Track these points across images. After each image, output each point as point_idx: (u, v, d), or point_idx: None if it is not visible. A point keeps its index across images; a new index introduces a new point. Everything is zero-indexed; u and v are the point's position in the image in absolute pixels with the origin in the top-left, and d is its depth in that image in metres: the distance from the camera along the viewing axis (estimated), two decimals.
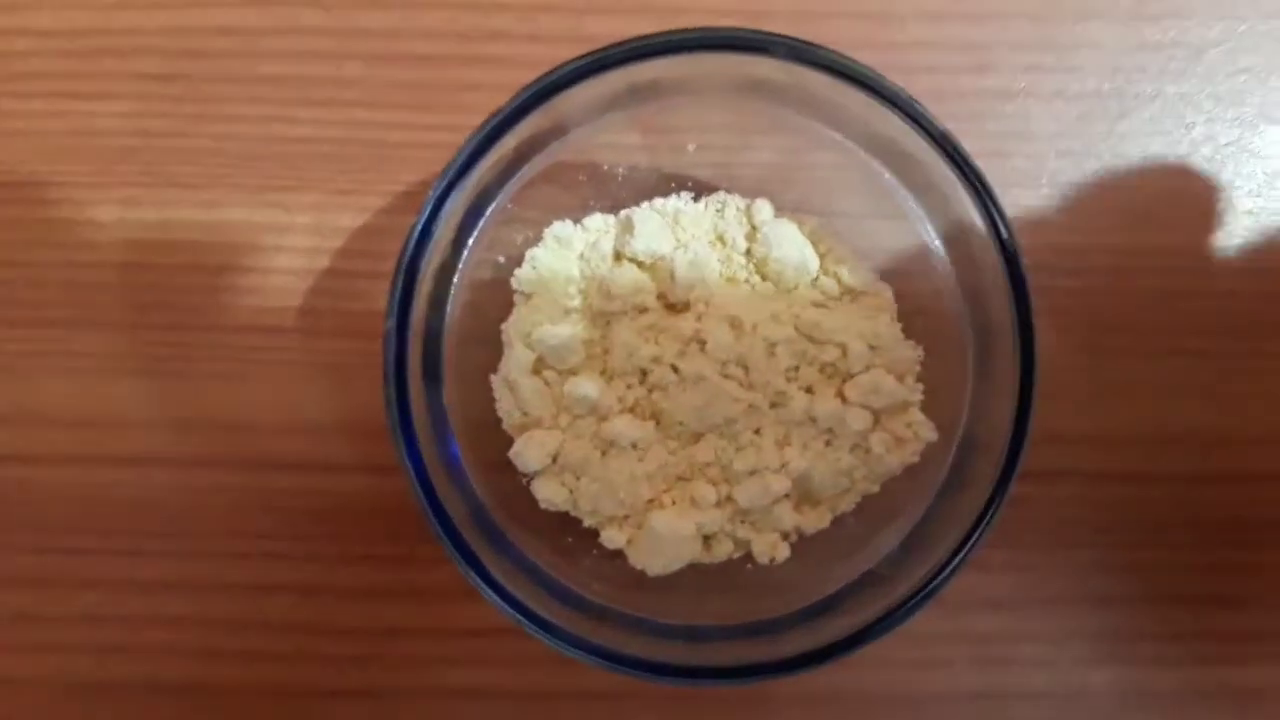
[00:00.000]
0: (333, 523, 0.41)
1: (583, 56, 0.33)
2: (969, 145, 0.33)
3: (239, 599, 0.41)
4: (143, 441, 0.41)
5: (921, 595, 0.33)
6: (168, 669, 0.41)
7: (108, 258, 0.41)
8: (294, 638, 0.41)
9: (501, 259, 0.38)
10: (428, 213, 0.33)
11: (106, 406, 0.41)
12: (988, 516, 0.33)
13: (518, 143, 0.35)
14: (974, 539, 0.33)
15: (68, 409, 0.41)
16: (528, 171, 0.36)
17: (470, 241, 0.36)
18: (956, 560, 0.33)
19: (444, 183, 0.33)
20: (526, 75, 0.39)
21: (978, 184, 0.32)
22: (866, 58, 0.34)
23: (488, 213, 0.36)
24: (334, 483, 0.41)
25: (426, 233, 0.33)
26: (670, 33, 0.33)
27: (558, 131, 0.36)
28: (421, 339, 0.34)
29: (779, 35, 0.33)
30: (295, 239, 0.41)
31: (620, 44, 0.33)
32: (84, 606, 0.41)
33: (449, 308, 0.36)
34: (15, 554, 0.41)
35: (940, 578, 0.33)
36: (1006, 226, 0.32)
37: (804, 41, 0.33)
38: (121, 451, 0.41)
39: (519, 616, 0.33)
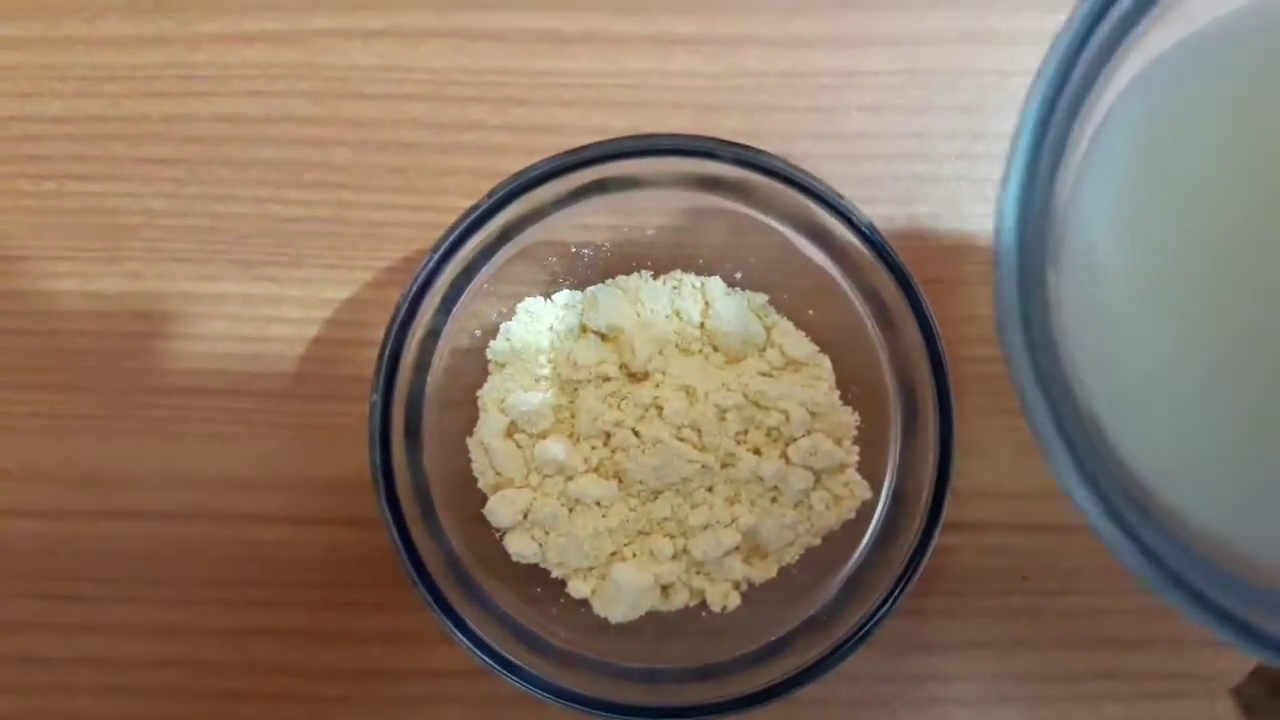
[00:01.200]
0: (316, 572, 0.44)
1: (557, 157, 0.37)
2: (903, 225, 0.37)
3: (228, 643, 0.44)
4: (139, 497, 0.44)
5: (856, 639, 0.37)
6: (162, 708, 0.44)
7: (111, 327, 0.45)
8: (279, 679, 0.44)
9: (478, 331, 0.41)
10: (414, 291, 0.37)
11: (105, 465, 0.45)
12: (915, 565, 0.36)
13: (497, 228, 0.38)
14: (903, 586, 0.36)
15: (69, 467, 0.45)
16: (505, 252, 0.40)
17: (452, 315, 0.39)
18: (887, 606, 0.36)
19: (431, 263, 0.37)
20: (501, 161, 0.43)
21: (898, 270, 0.37)
22: (813, 147, 0.38)
23: (468, 289, 0.39)
24: (318, 535, 0.44)
25: (413, 310, 0.37)
26: (634, 138, 0.38)
27: (533, 217, 0.39)
28: (404, 405, 0.38)
29: (725, 141, 0.37)
30: (287, 310, 0.45)
31: (590, 147, 0.37)
32: (84, 650, 0.44)
33: (430, 375, 0.39)
34: (20, 600, 0.44)
35: (872, 622, 0.37)
36: (925, 309, 0.37)
37: (746, 146, 0.38)
38: (119, 506, 0.45)
39: (489, 660, 0.37)
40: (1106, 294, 0.24)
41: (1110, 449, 0.24)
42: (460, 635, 0.37)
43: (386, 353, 0.37)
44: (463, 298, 0.39)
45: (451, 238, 0.37)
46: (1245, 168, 0.23)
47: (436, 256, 0.37)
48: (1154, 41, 0.23)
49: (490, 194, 0.37)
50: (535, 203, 0.39)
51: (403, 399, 0.38)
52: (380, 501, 0.36)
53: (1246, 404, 0.24)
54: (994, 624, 0.44)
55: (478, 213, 0.37)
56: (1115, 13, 0.22)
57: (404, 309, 0.37)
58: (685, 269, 0.43)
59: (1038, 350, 0.22)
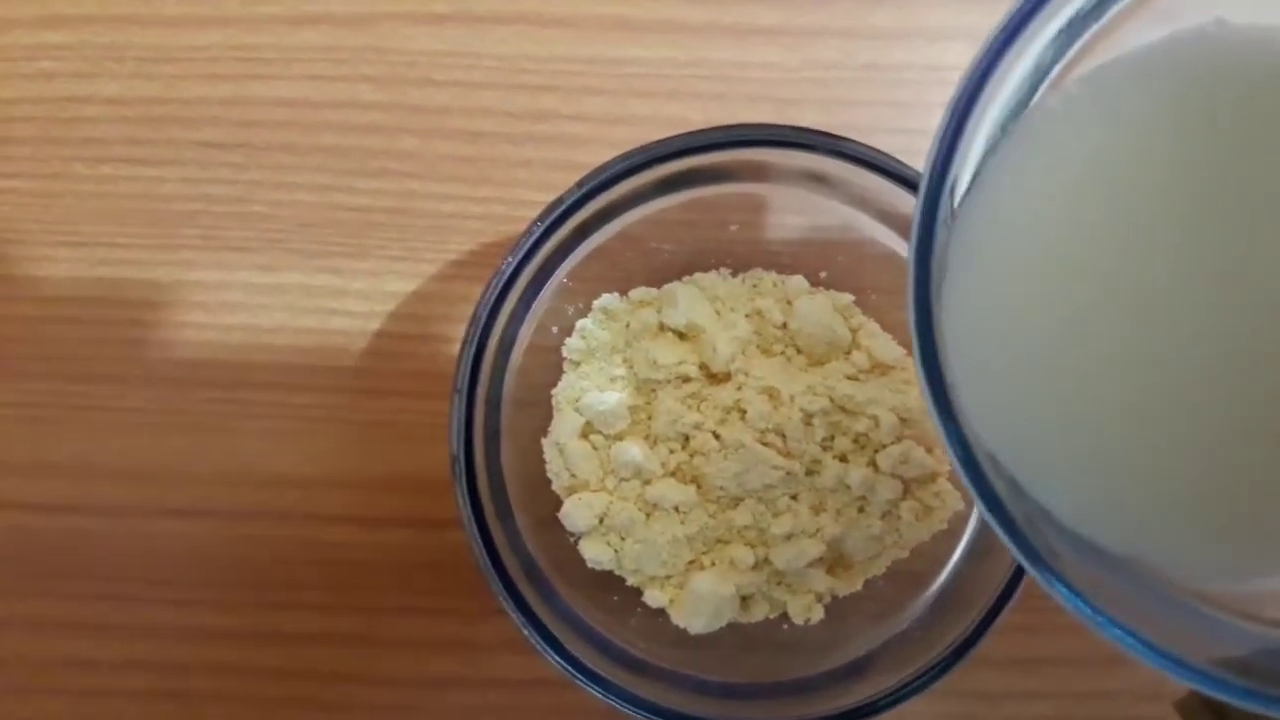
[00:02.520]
0: (376, 575, 0.43)
1: (639, 151, 0.36)
2: None
3: (285, 648, 0.43)
4: (194, 495, 0.43)
5: (953, 657, 0.35)
6: (214, 714, 0.43)
7: (166, 317, 0.43)
8: (339, 687, 0.43)
9: (555, 329, 0.40)
10: (500, 285, 0.35)
11: (160, 461, 0.43)
12: (1018, 580, 0.35)
13: (576, 224, 0.37)
14: (1006, 603, 0.35)
15: (123, 462, 0.43)
16: (582, 249, 0.38)
17: (528, 313, 0.38)
18: (988, 623, 0.35)
19: (514, 261, 0.35)
20: (574, 152, 0.42)
21: None
22: (892, 143, 0.36)
23: (546, 287, 0.38)
24: (379, 537, 0.43)
25: (497, 306, 0.35)
26: (716, 130, 0.36)
27: (611, 213, 0.38)
28: (484, 403, 0.36)
29: (813, 131, 0.36)
30: (350, 303, 0.43)
31: (671, 140, 0.36)
32: (135, 653, 0.43)
33: (507, 374, 0.38)
34: (71, 601, 0.43)
35: (972, 640, 0.35)
36: None
37: (836, 136, 0.36)
38: (174, 505, 0.43)
39: (573, 671, 0.35)
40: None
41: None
42: (543, 643, 0.35)
43: (472, 350, 0.35)
44: (541, 295, 0.38)
45: (534, 235, 0.35)
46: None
47: (521, 253, 0.35)
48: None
49: (580, 184, 0.36)
50: (614, 197, 0.37)
51: (483, 397, 0.36)
52: (463, 504, 0.35)
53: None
54: (1076, 639, 0.43)
55: (565, 205, 0.35)
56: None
57: (489, 304, 0.35)
58: (765, 267, 0.41)
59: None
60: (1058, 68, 0.26)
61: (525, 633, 0.35)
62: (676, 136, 0.36)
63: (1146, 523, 0.26)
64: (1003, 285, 0.26)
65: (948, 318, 0.25)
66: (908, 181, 0.36)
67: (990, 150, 0.26)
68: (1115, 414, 0.26)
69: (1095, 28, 0.26)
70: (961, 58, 0.43)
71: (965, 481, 0.25)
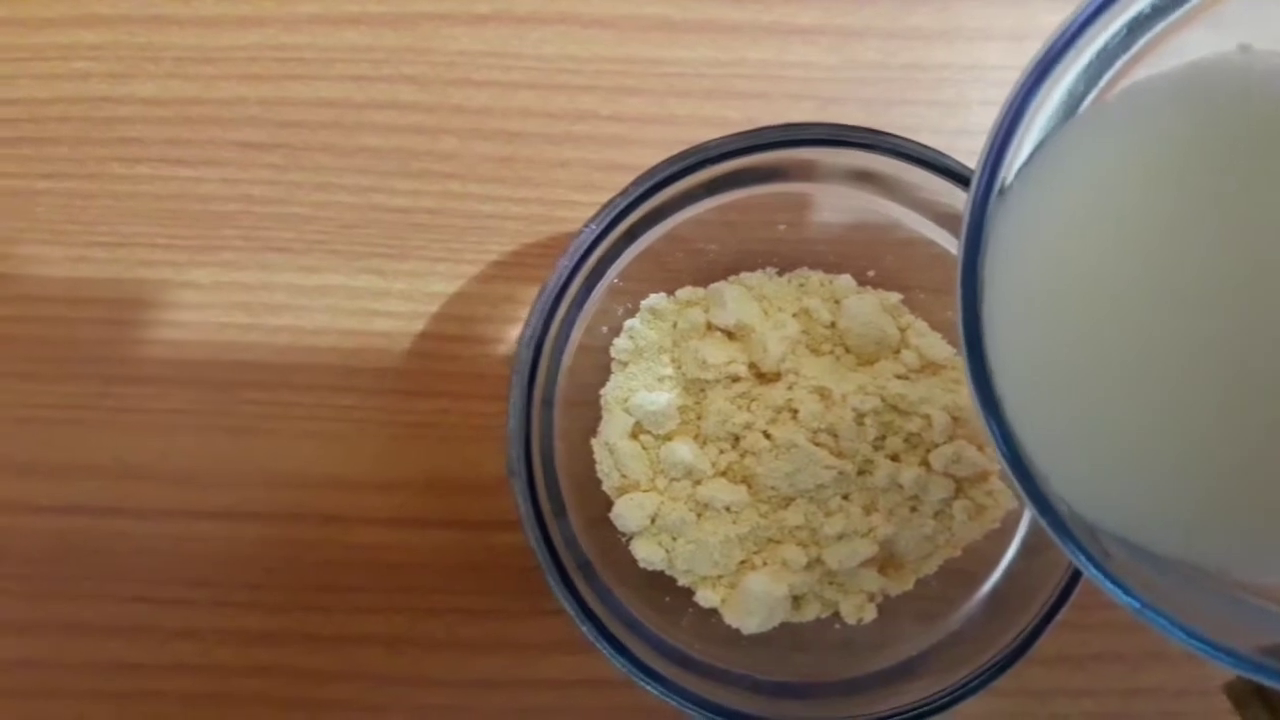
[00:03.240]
0: (422, 577, 0.43)
1: (694, 151, 0.36)
2: None
3: (328, 650, 0.43)
4: (236, 497, 0.43)
5: (1010, 656, 0.35)
6: (257, 716, 0.43)
7: (206, 318, 0.43)
8: (383, 689, 0.42)
9: (604, 329, 0.40)
10: (556, 290, 0.35)
11: (201, 462, 0.43)
12: (1075, 579, 0.35)
13: (627, 225, 0.37)
14: (1064, 603, 0.35)
15: (164, 464, 0.43)
16: (632, 250, 0.38)
17: (579, 314, 0.38)
18: (1048, 621, 0.35)
19: (571, 263, 0.35)
20: (614, 152, 0.42)
21: None
22: (934, 143, 0.36)
23: (597, 288, 0.38)
24: (423, 538, 0.43)
25: (553, 309, 0.35)
26: (773, 129, 0.36)
27: (661, 214, 0.38)
28: (540, 406, 0.36)
29: (870, 130, 0.36)
30: (392, 304, 0.43)
31: (727, 139, 0.36)
32: (176, 656, 0.42)
33: (559, 375, 0.38)
34: (112, 603, 0.42)
35: (1031, 638, 0.35)
36: None
37: (892, 135, 0.36)
38: (215, 506, 0.43)
39: (634, 669, 0.35)
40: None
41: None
42: (605, 643, 0.35)
43: (530, 351, 0.35)
44: (593, 296, 0.38)
45: (595, 233, 0.35)
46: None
47: (580, 251, 0.35)
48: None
49: (635, 184, 0.35)
50: (664, 198, 0.37)
51: (539, 399, 0.36)
52: (523, 503, 0.35)
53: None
54: (1123, 636, 0.43)
55: (620, 207, 0.35)
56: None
57: (547, 305, 0.35)
58: (812, 266, 0.41)
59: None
60: (1110, 74, 0.26)
61: (584, 631, 0.35)
62: (732, 136, 0.36)
63: (1193, 528, 0.27)
64: (1032, 292, 0.26)
65: (987, 322, 0.25)
66: (960, 178, 0.36)
67: (1027, 159, 0.26)
68: (1153, 419, 0.26)
69: (1159, 29, 0.26)
70: (1002, 58, 0.43)
71: (1013, 482, 0.26)
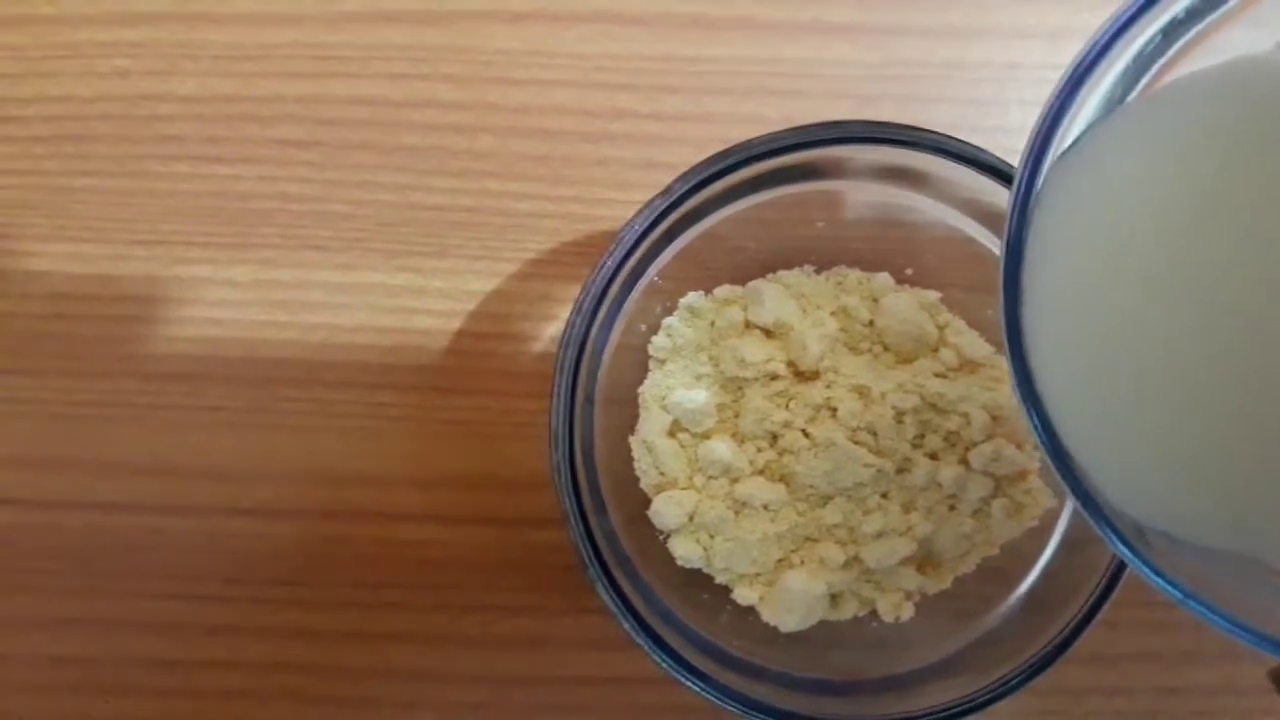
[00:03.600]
0: (457, 574, 0.43)
1: (737, 149, 0.36)
2: None
3: (364, 647, 0.43)
4: (273, 493, 0.43)
5: (1051, 654, 0.35)
6: (292, 714, 0.43)
7: (244, 316, 0.43)
8: (420, 685, 0.43)
9: (642, 327, 0.40)
10: (600, 289, 0.35)
11: (237, 459, 0.43)
12: (1117, 576, 0.35)
13: (668, 225, 0.37)
14: (1104, 603, 0.35)
15: (199, 461, 0.43)
16: (671, 249, 0.38)
17: (619, 313, 0.38)
18: (1088, 621, 0.35)
19: (614, 262, 0.35)
20: (652, 150, 0.42)
21: None
22: (971, 140, 0.36)
23: (637, 287, 0.38)
24: (459, 535, 0.43)
25: (595, 308, 0.35)
26: (816, 126, 0.36)
27: (701, 212, 0.38)
28: (582, 404, 0.36)
29: (913, 127, 0.36)
30: (430, 301, 0.43)
31: (769, 137, 0.36)
32: (213, 653, 0.43)
33: (600, 372, 0.38)
34: (147, 600, 0.43)
35: (1070, 637, 0.35)
36: None
37: (935, 132, 0.36)
38: (250, 503, 0.43)
39: (675, 666, 0.35)
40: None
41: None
42: (648, 640, 0.35)
43: (574, 350, 0.35)
44: (632, 293, 0.38)
45: (638, 232, 0.35)
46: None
47: (624, 250, 0.35)
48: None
49: (677, 183, 0.36)
50: (705, 196, 0.37)
51: (582, 397, 0.36)
52: (567, 500, 0.35)
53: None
54: (1157, 636, 0.43)
55: (663, 206, 0.35)
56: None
57: (591, 303, 0.35)
58: (849, 264, 0.41)
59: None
60: (1147, 77, 0.27)
61: (625, 627, 0.35)
62: (775, 134, 0.36)
63: (1232, 521, 0.27)
64: (1069, 287, 0.26)
65: (1027, 318, 0.26)
66: (1001, 174, 0.36)
67: (1064, 152, 0.26)
68: (1188, 414, 0.26)
69: (1195, 31, 0.26)
70: (1041, 57, 0.43)
71: (1055, 473, 0.26)
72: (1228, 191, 0.25)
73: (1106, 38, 0.25)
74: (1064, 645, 0.35)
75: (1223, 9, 0.25)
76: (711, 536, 0.39)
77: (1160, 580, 0.25)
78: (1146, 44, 0.26)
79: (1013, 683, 0.36)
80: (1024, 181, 0.26)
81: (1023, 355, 0.26)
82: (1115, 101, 0.27)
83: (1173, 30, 0.26)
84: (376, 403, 0.43)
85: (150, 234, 0.43)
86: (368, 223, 0.43)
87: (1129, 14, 0.24)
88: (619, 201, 0.43)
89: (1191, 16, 0.26)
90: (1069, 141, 0.27)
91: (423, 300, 0.43)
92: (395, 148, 0.43)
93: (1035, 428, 0.26)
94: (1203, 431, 0.26)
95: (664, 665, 0.35)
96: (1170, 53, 0.26)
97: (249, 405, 0.43)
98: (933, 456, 0.39)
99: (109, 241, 0.43)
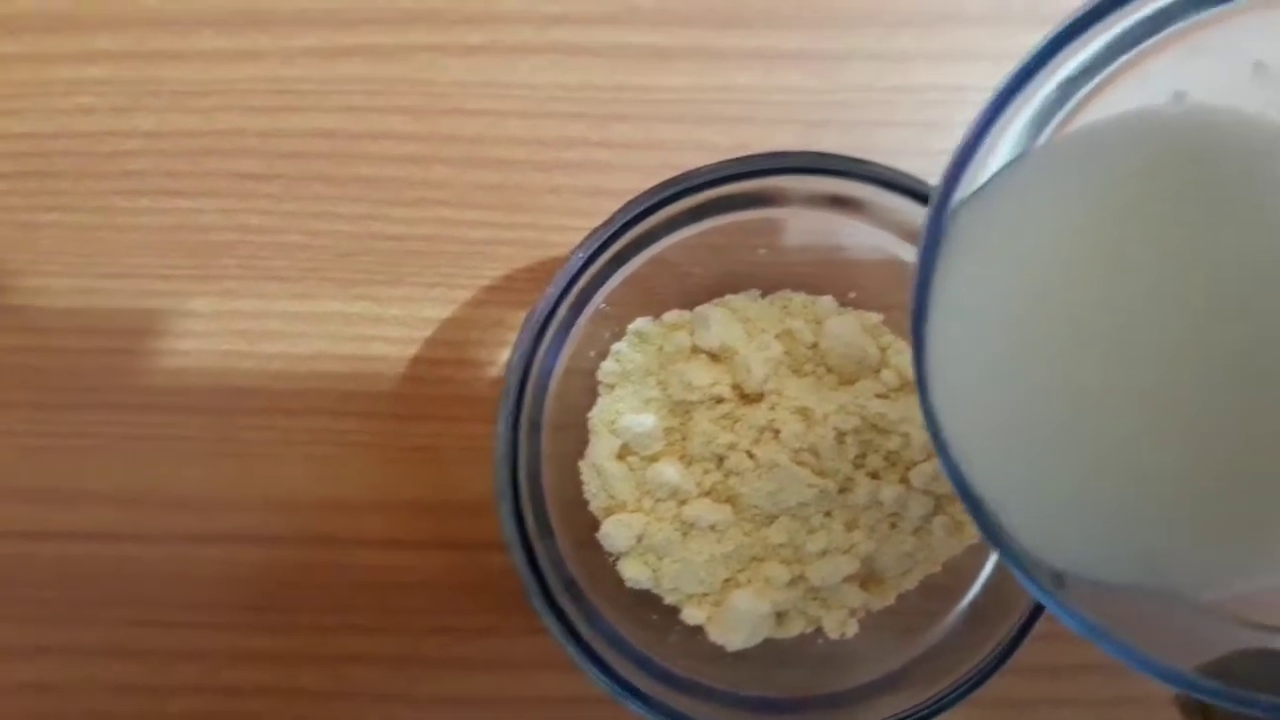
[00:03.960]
0: (417, 597, 0.44)
1: (676, 180, 0.37)
2: None
3: (328, 670, 0.44)
4: (237, 520, 0.44)
5: (989, 668, 0.36)
6: None
7: (206, 346, 0.44)
8: (382, 707, 0.43)
9: (591, 353, 0.41)
10: (543, 317, 0.36)
11: (202, 488, 0.44)
12: None
13: (613, 252, 0.38)
14: (1039, 614, 0.35)
15: (165, 490, 0.44)
16: (618, 276, 0.39)
17: (567, 339, 0.39)
18: (1025, 633, 0.36)
19: (557, 290, 0.36)
20: (603, 178, 0.43)
21: None
22: (920, 164, 0.37)
23: (584, 313, 0.39)
24: (419, 559, 0.44)
25: (539, 334, 0.36)
26: (751, 158, 0.37)
27: (646, 240, 0.39)
28: (527, 429, 0.37)
29: (841, 156, 0.37)
30: (387, 329, 0.44)
31: (707, 169, 0.37)
32: (180, 678, 0.44)
33: (547, 398, 0.39)
34: (116, 627, 0.44)
35: (1009, 649, 0.36)
36: None
37: (862, 160, 0.37)
38: (216, 530, 0.44)
39: (616, 687, 0.36)
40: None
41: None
42: (587, 662, 0.36)
43: (517, 376, 0.36)
44: (579, 320, 0.39)
45: (580, 261, 0.36)
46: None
47: (566, 279, 0.36)
48: None
49: (619, 214, 0.36)
50: (650, 224, 0.38)
51: (526, 421, 0.37)
52: (508, 525, 0.36)
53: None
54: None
55: (605, 235, 0.36)
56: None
57: (533, 331, 0.36)
58: (794, 288, 0.42)
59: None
60: (1056, 119, 0.27)
61: (568, 651, 0.36)
62: (712, 165, 0.37)
63: (1150, 560, 0.27)
64: (971, 332, 0.27)
65: (932, 363, 0.26)
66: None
67: (967, 198, 0.27)
68: (1083, 465, 0.27)
69: (1089, 87, 0.27)
70: (986, 79, 0.43)
71: (957, 492, 0.27)
72: (1124, 242, 0.25)
73: (1003, 93, 0.25)
74: (1002, 658, 0.36)
75: (1112, 68, 0.26)
76: (660, 558, 0.40)
77: (1061, 612, 0.26)
78: (1046, 97, 0.26)
79: (953, 695, 0.36)
80: (927, 233, 0.26)
81: (930, 403, 0.26)
82: (1024, 145, 0.27)
83: (1069, 85, 0.26)
84: (336, 429, 0.44)
85: (115, 267, 0.44)
86: (325, 253, 0.44)
87: (1020, 74, 0.25)
88: (572, 228, 0.44)
89: (1084, 74, 0.26)
90: (991, 163, 0.27)
91: (380, 328, 0.44)
92: (352, 179, 0.44)
93: (947, 473, 0.27)
94: (1109, 482, 0.26)
95: (605, 687, 0.36)
96: (1069, 105, 0.27)
97: (213, 435, 0.44)
98: (874, 476, 0.39)
99: (74, 275, 0.44)
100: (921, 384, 0.26)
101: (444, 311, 0.44)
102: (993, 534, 0.27)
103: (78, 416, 0.44)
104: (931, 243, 0.26)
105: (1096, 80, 0.26)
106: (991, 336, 0.26)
